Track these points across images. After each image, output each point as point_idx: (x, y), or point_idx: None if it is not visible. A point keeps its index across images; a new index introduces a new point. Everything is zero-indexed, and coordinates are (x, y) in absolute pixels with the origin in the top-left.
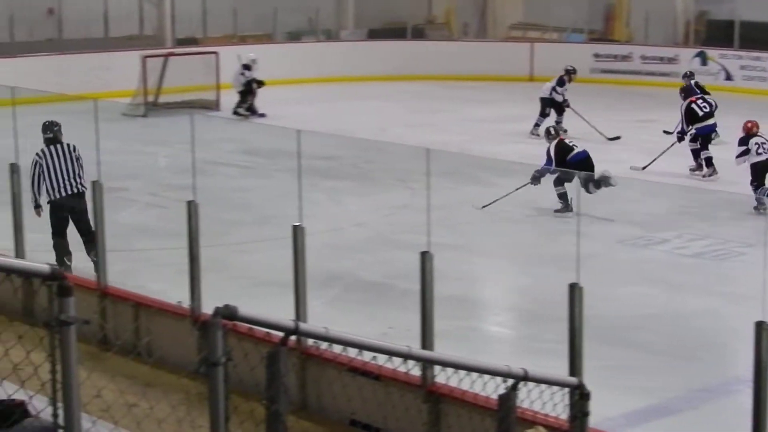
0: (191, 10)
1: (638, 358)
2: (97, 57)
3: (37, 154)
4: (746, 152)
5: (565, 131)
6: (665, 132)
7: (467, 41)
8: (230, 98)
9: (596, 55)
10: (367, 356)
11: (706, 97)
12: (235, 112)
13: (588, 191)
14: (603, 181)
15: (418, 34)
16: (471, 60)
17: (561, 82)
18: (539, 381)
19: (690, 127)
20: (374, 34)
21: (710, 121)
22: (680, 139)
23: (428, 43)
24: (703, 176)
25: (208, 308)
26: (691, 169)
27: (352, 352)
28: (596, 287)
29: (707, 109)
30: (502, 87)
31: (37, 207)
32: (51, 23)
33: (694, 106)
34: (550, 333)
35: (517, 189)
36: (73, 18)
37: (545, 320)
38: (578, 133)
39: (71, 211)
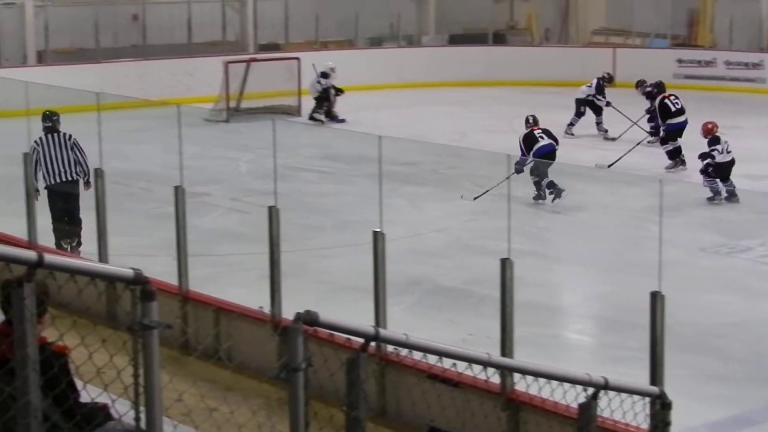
0: (273, 16)
1: (721, 367)
2: (180, 63)
3: (35, 141)
4: (710, 155)
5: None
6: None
7: (549, 47)
8: (311, 104)
9: (679, 61)
10: (446, 363)
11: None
12: (311, 117)
13: (540, 189)
14: (556, 193)
15: (500, 39)
16: (552, 65)
17: (600, 90)
18: (620, 390)
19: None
20: (455, 40)
21: (681, 118)
22: (652, 134)
23: (509, 49)
24: (666, 168)
25: (287, 313)
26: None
27: (432, 359)
28: (678, 295)
29: (679, 106)
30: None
31: (36, 191)
32: (135, 29)
33: (667, 101)
34: (630, 341)
35: (506, 179)
36: (157, 24)
37: (626, 328)
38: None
39: (64, 197)
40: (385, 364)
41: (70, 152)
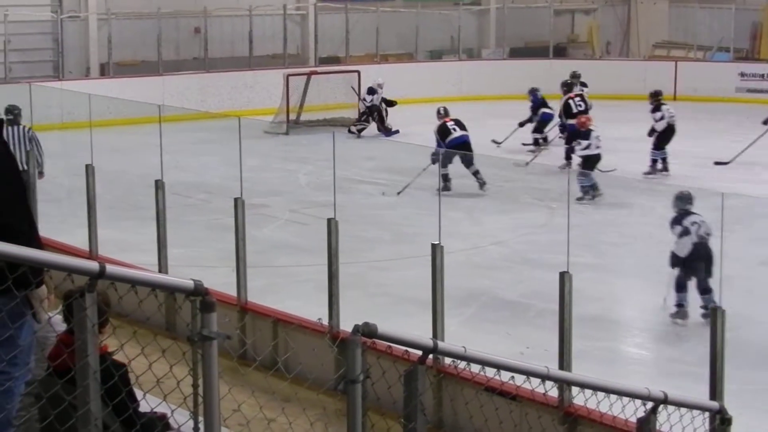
0: (334, 30)
1: None
2: (241, 75)
3: None
4: (588, 146)
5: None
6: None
7: (610, 60)
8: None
9: (742, 74)
10: (504, 376)
11: (584, 95)
12: (349, 130)
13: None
14: (480, 181)
15: (561, 52)
16: (613, 79)
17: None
18: (679, 404)
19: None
20: (516, 53)
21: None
22: (561, 130)
23: (570, 62)
24: (560, 167)
25: (345, 325)
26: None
27: (490, 372)
28: (738, 309)
29: (582, 108)
30: (644, 106)
31: None
32: (197, 42)
33: (570, 102)
34: (689, 355)
35: (423, 170)
36: (219, 37)
37: (685, 342)
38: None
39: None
40: (442, 377)
41: (28, 144)
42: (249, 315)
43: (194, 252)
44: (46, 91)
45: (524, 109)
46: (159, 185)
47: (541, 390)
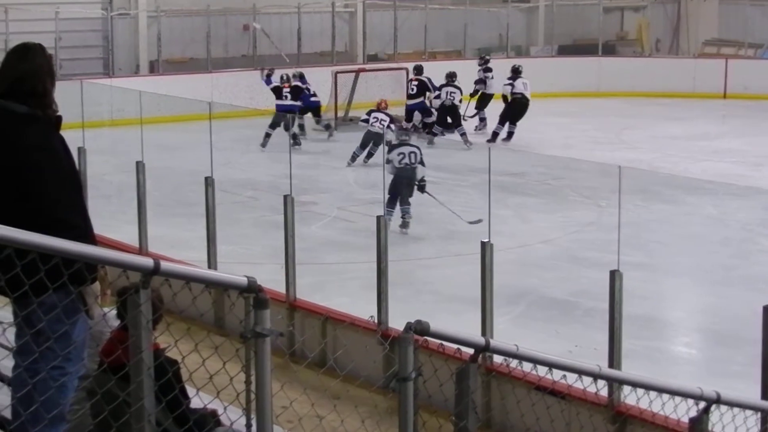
0: (382, 27)
1: None
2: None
3: None
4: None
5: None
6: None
7: (659, 57)
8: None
9: None
10: (555, 375)
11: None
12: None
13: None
14: (296, 141)
15: (610, 50)
16: (663, 76)
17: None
18: (732, 404)
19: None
20: (564, 51)
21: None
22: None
23: (619, 60)
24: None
25: (393, 323)
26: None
27: (541, 370)
28: None
29: (413, 92)
30: (694, 104)
31: None
32: (246, 39)
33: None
34: (739, 355)
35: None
36: (268, 34)
37: (735, 342)
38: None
39: None
40: (492, 375)
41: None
42: (298, 312)
43: (242, 249)
44: (96, 88)
45: (575, 106)
46: (209, 182)
47: (592, 389)
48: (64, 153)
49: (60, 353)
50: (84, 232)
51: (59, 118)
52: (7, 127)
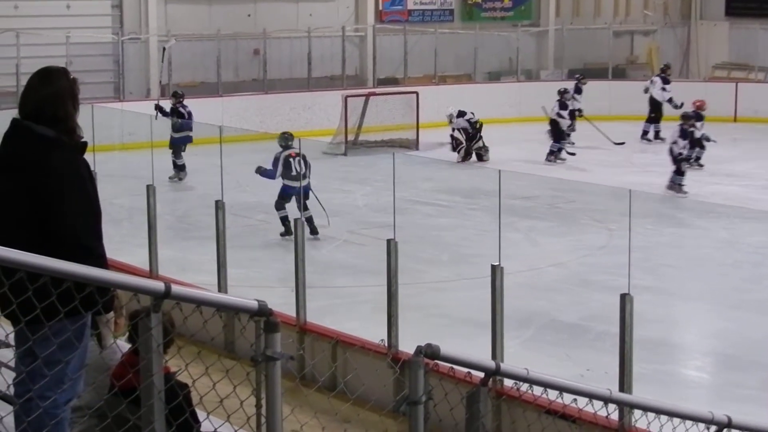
0: (393, 51)
1: None
2: (299, 96)
3: None
4: None
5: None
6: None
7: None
8: (429, 138)
9: None
10: (566, 398)
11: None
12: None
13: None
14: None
15: (620, 74)
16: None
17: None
18: (744, 429)
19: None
20: (574, 74)
21: None
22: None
23: (630, 83)
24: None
25: (404, 346)
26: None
27: (551, 394)
28: None
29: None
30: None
31: None
32: (256, 64)
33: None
34: (752, 379)
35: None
36: (278, 58)
37: (747, 366)
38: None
39: None
40: (502, 399)
41: None
42: (309, 336)
43: (253, 272)
44: (107, 112)
45: (586, 129)
46: (219, 206)
47: (602, 413)
48: (90, 179)
49: (52, 380)
50: (101, 260)
51: (84, 144)
52: (33, 150)
